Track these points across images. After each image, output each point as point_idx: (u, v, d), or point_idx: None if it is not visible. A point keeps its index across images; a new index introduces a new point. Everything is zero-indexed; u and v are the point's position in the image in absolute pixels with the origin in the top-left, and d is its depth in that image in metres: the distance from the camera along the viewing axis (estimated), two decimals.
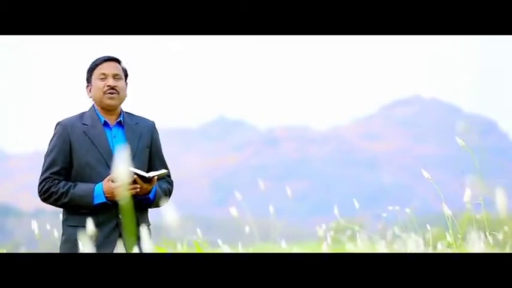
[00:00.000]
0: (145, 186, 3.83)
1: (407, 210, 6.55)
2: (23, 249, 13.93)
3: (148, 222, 4.02)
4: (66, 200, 3.83)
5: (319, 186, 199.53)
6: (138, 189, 3.81)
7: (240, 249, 6.93)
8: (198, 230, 7.34)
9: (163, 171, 3.92)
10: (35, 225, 4.96)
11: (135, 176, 3.78)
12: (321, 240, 6.56)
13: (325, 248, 5.97)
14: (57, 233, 6.62)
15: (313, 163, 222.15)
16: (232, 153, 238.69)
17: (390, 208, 7.46)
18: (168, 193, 4.07)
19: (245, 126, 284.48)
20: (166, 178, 4.13)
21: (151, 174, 3.84)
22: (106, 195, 3.80)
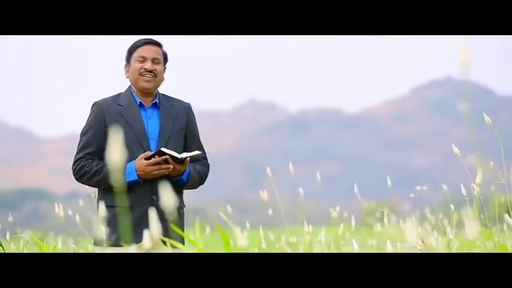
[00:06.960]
0: (178, 167, 3.85)
1: (444, 186, 6.47)
2: (51, 234, 14.15)
3: (183, 204, 3.98)
4: (99, 177, 3.85)
5: (350, 169, 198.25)
6: (170, 169, 3.82)
7: (261, 232, 7.04)
8: (229, 208, 7.36)
9: (196, 152, 3.93)
10: (59, 209, 5.08)
11: (167, 156, 3.79)
12: (337, 223, 6.56)
13: (341, 232, 6.03)
14: (79, 217, 6.77)
15: (345, 146, 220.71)
16: (264, 135, 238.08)
17: (418, 188, 7.43)
18: (203, 175, 4.10)
19: (277, 108, 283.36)
20: (203, 161, 4.14)
21: (183, 155, 3.84)
22: (138, 172, 3.80)
